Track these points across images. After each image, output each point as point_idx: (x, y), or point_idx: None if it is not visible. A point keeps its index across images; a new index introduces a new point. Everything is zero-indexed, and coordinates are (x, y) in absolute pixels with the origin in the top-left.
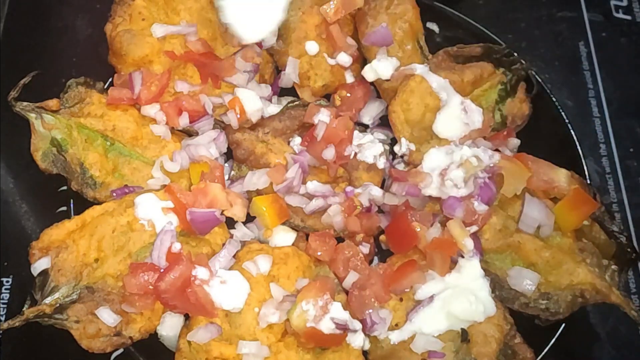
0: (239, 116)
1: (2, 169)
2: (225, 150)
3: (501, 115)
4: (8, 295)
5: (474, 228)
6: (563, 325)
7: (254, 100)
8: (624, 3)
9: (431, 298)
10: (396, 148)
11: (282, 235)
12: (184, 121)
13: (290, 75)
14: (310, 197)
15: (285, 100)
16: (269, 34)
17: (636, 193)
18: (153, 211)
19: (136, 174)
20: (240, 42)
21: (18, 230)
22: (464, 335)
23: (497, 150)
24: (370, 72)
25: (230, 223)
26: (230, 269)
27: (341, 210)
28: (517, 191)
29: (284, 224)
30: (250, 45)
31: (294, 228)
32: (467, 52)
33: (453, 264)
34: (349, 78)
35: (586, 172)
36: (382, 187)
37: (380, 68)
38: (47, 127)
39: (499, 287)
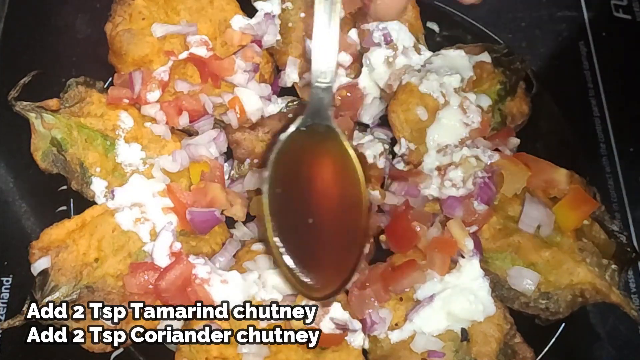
0: (238, 116)
1: (2, 169)
2: (225, 149)
3: (501, 115)
4: (8, 295)
5: (474, 228)
6: (563, 325)
7: (254, 100)
8: (624, 3)
9: (431, 298)
10: (396, 148)
11: None
12: (184, 121)
13: (290, 75)
14: None
15: (285, 100)
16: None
17: (636, 193)
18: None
19: None
20: None
21: (18, 230)
22: (464, 335)
23: (497, 150)
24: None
25: (230, 223)
26: (230, 269)
27: None
28: (517, 191)
29: None
30: (250, 45)
31: None
32: (467, 52)
33: (453, 263)
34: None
35: (586, 172)
36: (382, 187)
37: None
38: (47, 126)
39: (499, 286)
